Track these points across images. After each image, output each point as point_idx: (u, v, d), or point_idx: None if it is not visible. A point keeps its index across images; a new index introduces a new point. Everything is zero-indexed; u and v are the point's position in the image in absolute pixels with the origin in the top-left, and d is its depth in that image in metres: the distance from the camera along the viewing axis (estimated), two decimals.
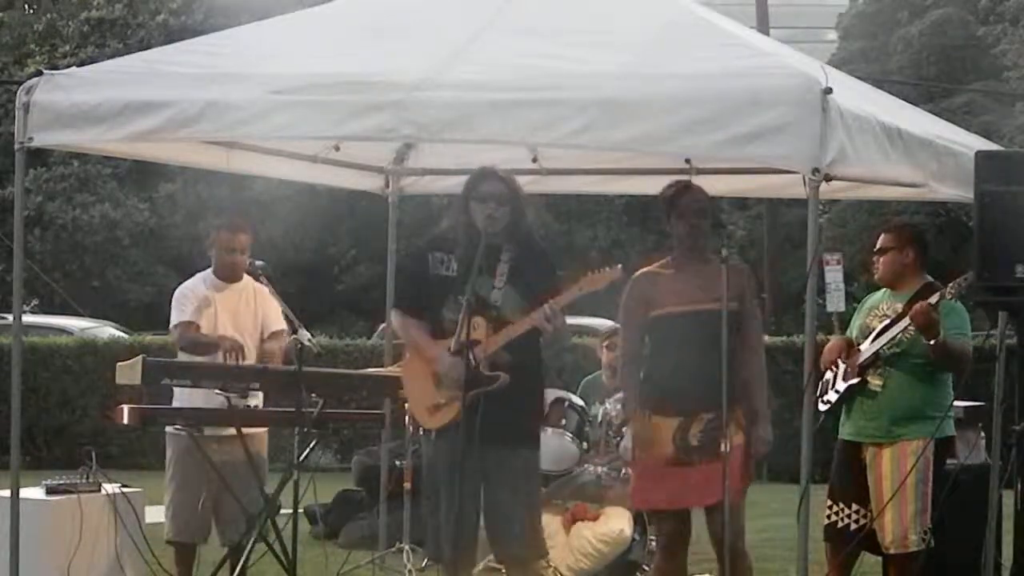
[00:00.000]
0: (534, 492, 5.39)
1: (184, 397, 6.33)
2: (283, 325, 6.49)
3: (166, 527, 6.52)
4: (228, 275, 6.53)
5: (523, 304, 5.20)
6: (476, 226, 5.24)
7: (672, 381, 5.36)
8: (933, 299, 5.81)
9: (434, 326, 5.32)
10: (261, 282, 6.32)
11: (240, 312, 6.52)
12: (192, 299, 6.47)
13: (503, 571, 6.52)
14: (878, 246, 6.17)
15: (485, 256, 5.20)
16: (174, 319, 6.48)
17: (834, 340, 6.27)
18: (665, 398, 5.40)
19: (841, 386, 6.09)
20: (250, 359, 6.43)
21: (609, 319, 10.23)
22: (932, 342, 5.79)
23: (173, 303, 6.52)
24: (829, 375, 6.17)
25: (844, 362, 6.11)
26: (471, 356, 5.10)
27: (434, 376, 5.26)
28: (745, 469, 5.36)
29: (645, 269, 5.62)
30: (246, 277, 6.53)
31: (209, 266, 6.63)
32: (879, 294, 6.29)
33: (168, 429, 6.42)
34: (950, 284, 5.78)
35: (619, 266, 5.19)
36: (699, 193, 5.55)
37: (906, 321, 5.89)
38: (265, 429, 6.49)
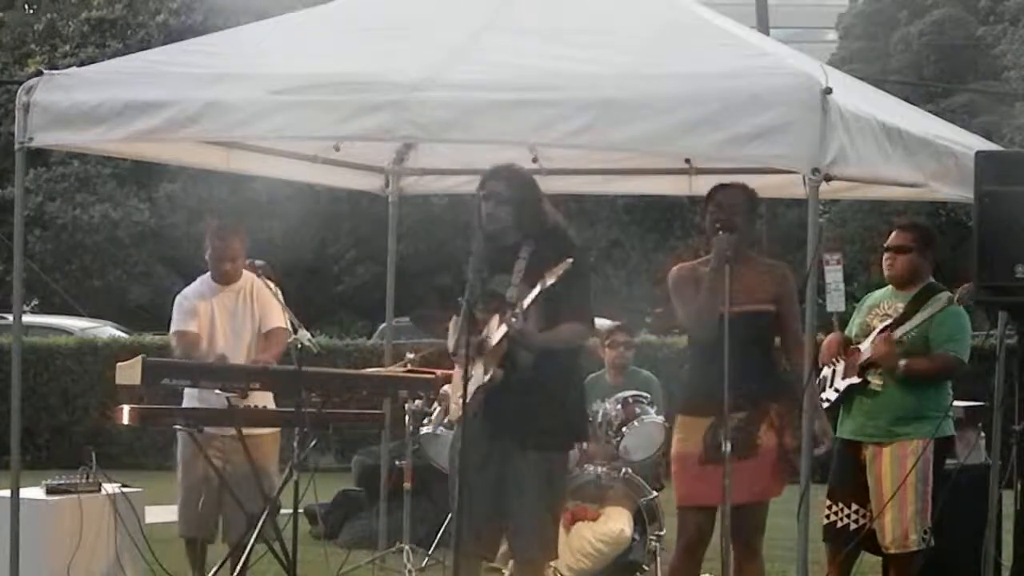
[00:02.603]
0: (548, 496, 5.31)
1: (194, 399, 6.36)
2: (281, 323, 6.51)
3: (179, 524, 6.59)
4: (223, 280, 6.57)
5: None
6: (481, 225, 5.26)
7: (706, 381, 5.32)
8: (897, 332, 5.87)
9: (473, 328, 5.33)
10: (261, 282, 6.33)
11: (237, 313, 6.55)
12: (185, 307, 6.55)
13: (503, 571, 6.53)
14: (896, 243, 6.11)
15: (502, 256, 5.21)
16: (175, 324, 6.59)
17: (831, 337, 6.25)
18: (698, 398, 5.40)
19: (841, 384, 6.09)
20: (244, 358, 6.46)
21: (609, 319, 10.23)
22: (898, 370, 5.82)
23: (176, 307, 6.62)
24: (827, 371, 6.17)
25: (842, 359, 6.11)
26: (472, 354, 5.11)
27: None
28: (776, 470, 5.29)
29: (683, 264, 5.55)
30: (245, 274, 6.56)
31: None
32: (879, 293, 6.28)
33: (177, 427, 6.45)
34: (958, 291, 5.79)
35: (569, 260, 5.09)
36: (735, 190, 5.46)
37: (911, 323, 5.91)
38: (275, 436, 6.49)
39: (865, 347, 6.05)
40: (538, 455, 5.25)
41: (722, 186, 5.49)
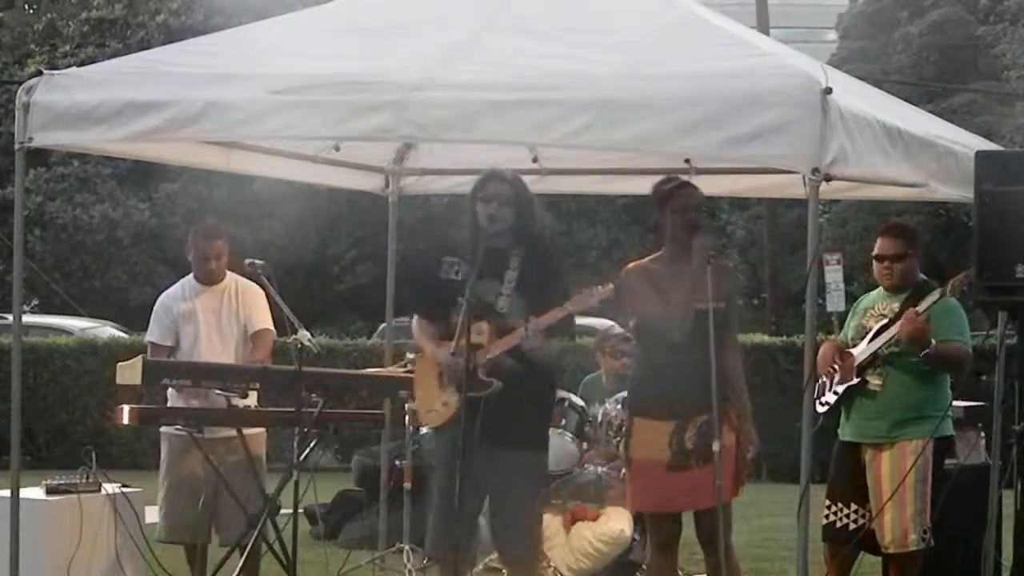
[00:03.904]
0: (533, 495, 5.36)
1: (179, 400, 6.32)
2: (267, 324, 6.52)
3: (158, 527, 6.52)
4: (207, 279, 6.56)
5: (529, 312, 5.19)
6: (480, 227, 5.24)
7: (665, 382, 5.34)
8: (922, 307, 5.80)
9: (444, 329, 5.33)
10: (261, 282, 6.33)
11: (222, 313, 6.53)
12: (164, 317, 6.52)
13: (503, 571, 6.53)
14: (892, 251, 6.05)
15: (494, 261, 5.20)
16: (148, 333, 6.59)
17: (825, 346, 6.19)
18: (659, 400, 5.39)
19: (839, 388, 6.08)
20: (235, 359, 6.47)
21: (609, 319, 10.23)
22: (924, 352, 5.79)
23: (152, 313, 6.59)
24: (825, 377, 6.16)
25: (840, 365, 6.09)
26: (470, 360, 5.10)
27: (438, 376, 5.30)
28: (738, 470, 5.33)
29: (636, 263, 5.56)
30: (229, 274, 6.56)
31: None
32: (874, 294, 6.27)
33: (163, 429, 6.43)
34: (951, 281, 5.78)
35: (611, 285, 5.16)
36: (695, 190, 5.50)
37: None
38: (263, 430, 6.50)
39: (859, 351, 6.04)
40: (529, 456, 5.27)
41: (683, 185, 5.49)
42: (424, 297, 5.48)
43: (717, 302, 5.20)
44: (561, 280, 5.31)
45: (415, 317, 5.52)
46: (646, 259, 5.55)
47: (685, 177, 5.67)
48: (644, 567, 7.03)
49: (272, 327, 6.52)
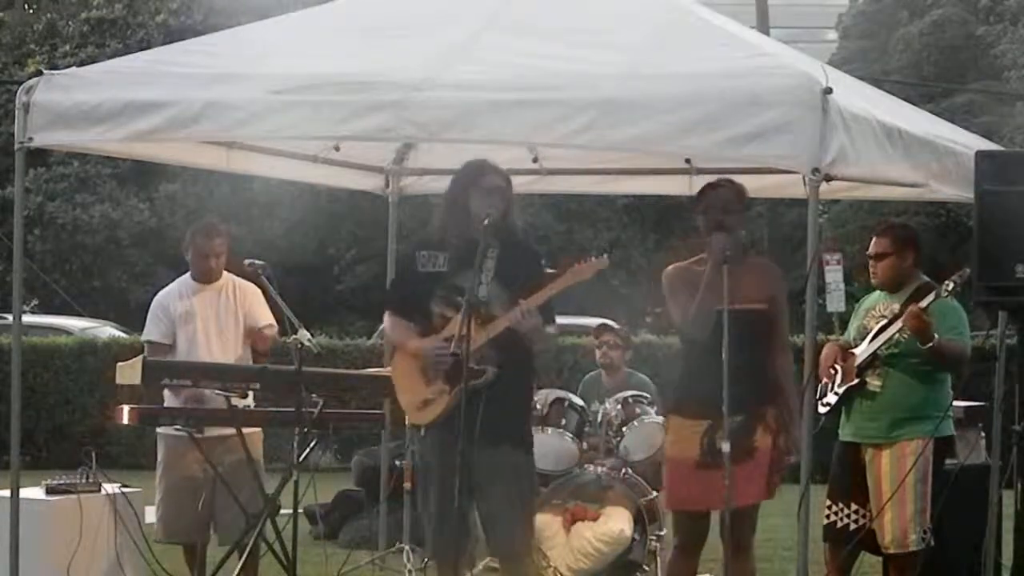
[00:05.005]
0: (524, 492, 5.32)
1: (174, 400, 6.32)
2: (271, 319, 6.55)
3: (156, 528, 6.52)
4: (205, 278, 6.56)
5: (510, 300, 5.16)
6: (472, 218, 5.20)
7: (702, 382, 5.32)
8: (924, 302, 5.80)
9: (423, 323, 5.30)
10: (261, 283, 6.33)
11: (220, 311, 6.55)
12: (163, 317, 6.52)
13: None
14: (875, 251, 6.12)
15: (473, 252, 5.14)
16: (146, 333, 6.58)
17: (827, 347, 6.21)
18: (693, 399, 5.39)
19: (840, 388, 6.08)
20: (233, 358, 6.46)
21: (603, 318, 10.23)
22: (928, 346, 5.78)
23: (149, 313, 6.59)
24: (827, 379, 6.16)
25: (841, 365, 6.10)
26: (460, 352, 5.07)
27: (422, 372, 5.26)
28: (771, 472, 5.31)
29: (677, 265, 5.54)
30: (225, 273, 6.57)
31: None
32: (875, 295, 6.28)
33: (160, 429, 6.42)
34: (946, 280, 5.78)
35: (605, 256, 5.14)
36: (723, 189, 5.46)
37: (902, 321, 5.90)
38: (259, 430, 6.49)
39: (860, 351, 6.05)
40: (516, 452, 5.26)
41: (712, 186, 5.50)
42: (401, 294, 5.45)
43: (757, 303, 5.21)
44: (539, 264, 5.27)
45: (387, 315, 5.45)
46: (687, 260, 5.53)
47: (727, 176, 5.63)
48: (644, 567, 7.04)
49: (275, 323, 6.53)
